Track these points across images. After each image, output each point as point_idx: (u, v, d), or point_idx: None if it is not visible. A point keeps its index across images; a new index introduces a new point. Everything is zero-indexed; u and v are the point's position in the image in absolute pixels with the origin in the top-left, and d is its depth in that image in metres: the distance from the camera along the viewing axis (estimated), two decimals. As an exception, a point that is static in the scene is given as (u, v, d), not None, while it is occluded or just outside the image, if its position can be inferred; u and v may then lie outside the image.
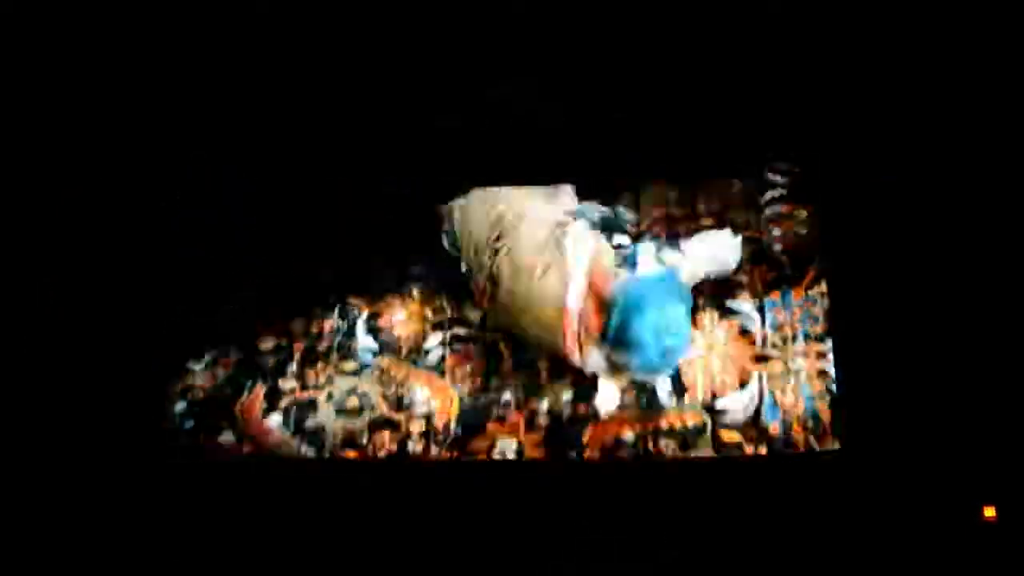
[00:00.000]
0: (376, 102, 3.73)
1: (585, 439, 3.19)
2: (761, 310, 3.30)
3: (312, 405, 3.43)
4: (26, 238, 3.60)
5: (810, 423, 3.10)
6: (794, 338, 3.24)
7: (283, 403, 3.45)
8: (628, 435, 3.16)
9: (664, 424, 3.16)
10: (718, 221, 3.44)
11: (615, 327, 2.76)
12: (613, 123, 3.61)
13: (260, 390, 3.46)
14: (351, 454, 3.34)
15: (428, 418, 3.34)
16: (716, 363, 3.24)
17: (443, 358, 3.43)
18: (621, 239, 3.24)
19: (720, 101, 3.56)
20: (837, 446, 3.09)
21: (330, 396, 3.44)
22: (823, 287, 3.30)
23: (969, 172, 3.34)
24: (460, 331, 3.47)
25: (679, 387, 3.20)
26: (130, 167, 3.71)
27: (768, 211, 3.46)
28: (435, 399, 3.37)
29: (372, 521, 3.26)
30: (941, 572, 2.92)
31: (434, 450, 3.27)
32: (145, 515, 3.32)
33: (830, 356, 3.19)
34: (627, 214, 3.49)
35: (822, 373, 3.17)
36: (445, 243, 3.31)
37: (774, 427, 3.12)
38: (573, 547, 3.14)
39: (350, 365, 3.49)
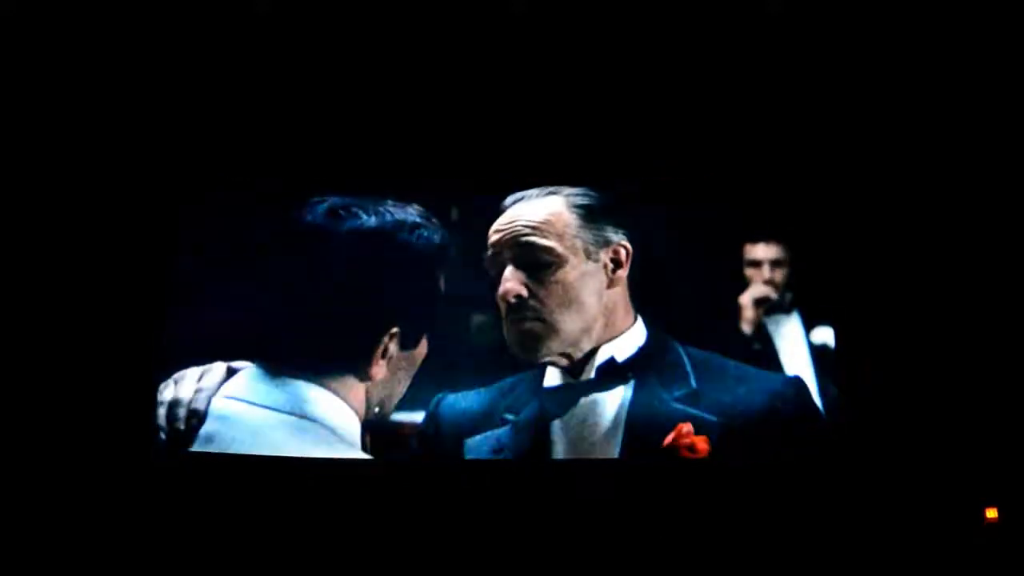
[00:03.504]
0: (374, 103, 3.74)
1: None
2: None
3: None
4: (22, 239, 3.59)
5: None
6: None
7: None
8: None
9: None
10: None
11: None
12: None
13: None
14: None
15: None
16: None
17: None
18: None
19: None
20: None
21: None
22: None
23: (966, 176, 3.37)
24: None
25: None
26: (127, 168, 3.69)
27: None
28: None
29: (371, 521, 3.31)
30: (943, 573, 2.95)
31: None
32: (140, 515, 3.33)
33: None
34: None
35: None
36: None
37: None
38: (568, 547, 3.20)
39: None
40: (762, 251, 3.45)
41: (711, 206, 3.52)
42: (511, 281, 3.05)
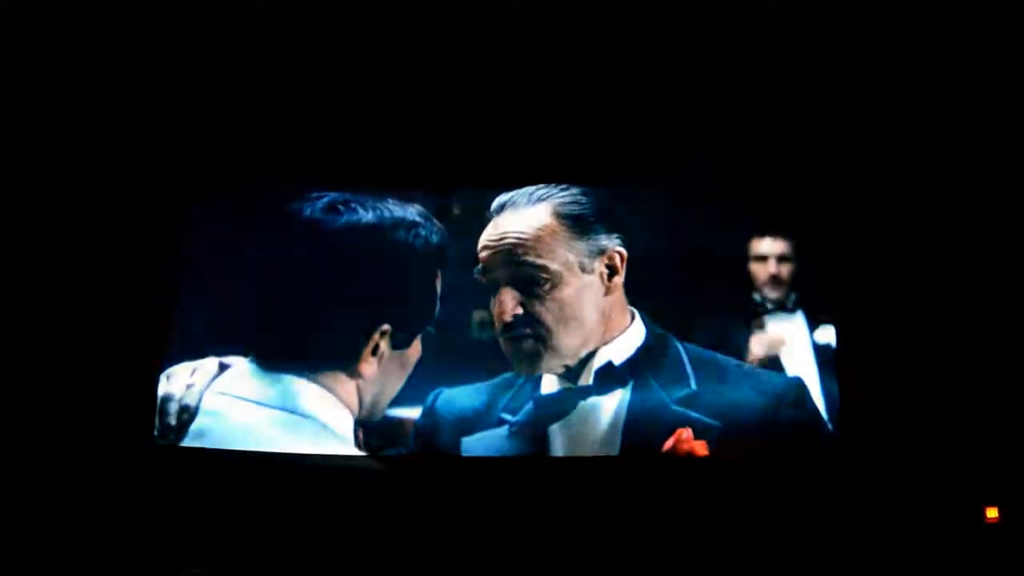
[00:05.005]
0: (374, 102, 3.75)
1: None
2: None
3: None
4: (22, 237, 3.60)
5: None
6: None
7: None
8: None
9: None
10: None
11: None
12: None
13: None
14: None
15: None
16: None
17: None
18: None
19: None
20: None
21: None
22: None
23: (966, 179, 3.37)
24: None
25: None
26: (127, 165, 3.69)
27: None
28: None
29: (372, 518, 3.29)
30: (944, 572, 2.93)
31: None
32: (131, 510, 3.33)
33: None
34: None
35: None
36: None
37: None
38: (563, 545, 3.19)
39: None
40: (768, 246, 3.42)
41: (712, 204, 3.50)
42: (506, 302, 3.01)
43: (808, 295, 3.36)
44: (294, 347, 3.02)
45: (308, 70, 3.68)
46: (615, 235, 3.07)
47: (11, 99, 3.63)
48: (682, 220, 3.45)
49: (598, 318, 3.03)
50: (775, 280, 3.39)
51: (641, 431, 3.07)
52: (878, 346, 3.27)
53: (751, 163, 3.56)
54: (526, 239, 3.02)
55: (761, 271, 3.41)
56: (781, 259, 3.40)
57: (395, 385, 3.07)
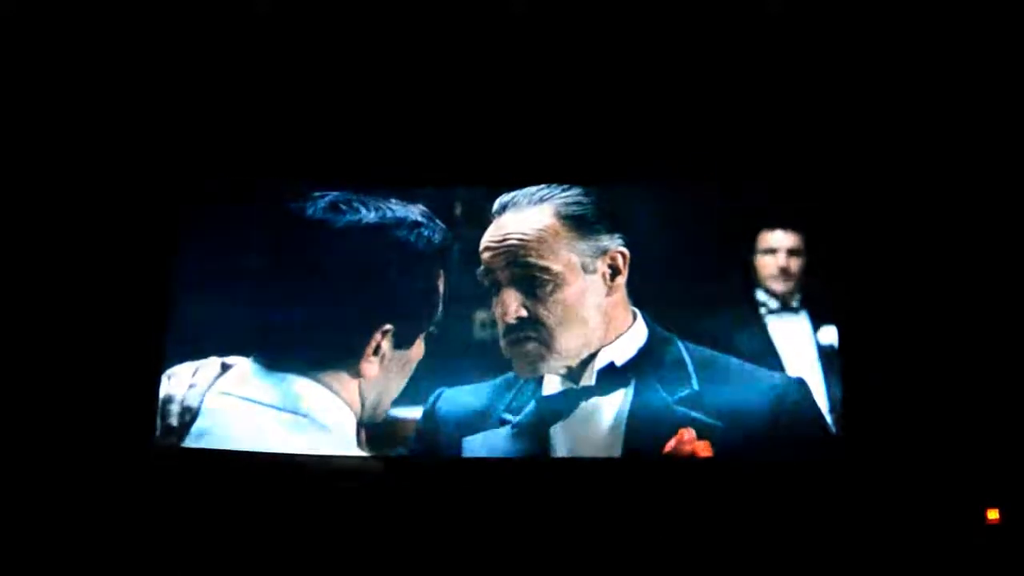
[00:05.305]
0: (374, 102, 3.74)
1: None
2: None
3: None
4: (23, 237, 3.59)
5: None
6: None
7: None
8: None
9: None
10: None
11: None
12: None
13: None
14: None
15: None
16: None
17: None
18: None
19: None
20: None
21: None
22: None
23: (968, 179, 3.37)
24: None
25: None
26: (128, 165, 3.69)
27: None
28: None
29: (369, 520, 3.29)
30: (945, 574, 2.94)
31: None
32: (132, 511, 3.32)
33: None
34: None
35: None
36: None
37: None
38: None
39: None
40: (779, 239, 3.41)
41: (713, 203, 3.50)
42: (509, 303, 3.02)
43: (811, 295, 3.36)
44: (296, 347, 3.04)
45: (308, 70, 3.67)
46: (617, 235, 3.07)
47: (11, 99, 3.63)
48: (683, 220, 3.45)
49: (600, 319, 3.03)
50: (784, 273, 3.38)
51: (643, 432, 3.07)
52: (880, 347, 3.27)
53: (751, 164, 3.57)
54: (528, 240, 3.02)
55: (769, 264, 3.40)
56: (791, 252, 3.39)
57: (397, 385, 3.07)
